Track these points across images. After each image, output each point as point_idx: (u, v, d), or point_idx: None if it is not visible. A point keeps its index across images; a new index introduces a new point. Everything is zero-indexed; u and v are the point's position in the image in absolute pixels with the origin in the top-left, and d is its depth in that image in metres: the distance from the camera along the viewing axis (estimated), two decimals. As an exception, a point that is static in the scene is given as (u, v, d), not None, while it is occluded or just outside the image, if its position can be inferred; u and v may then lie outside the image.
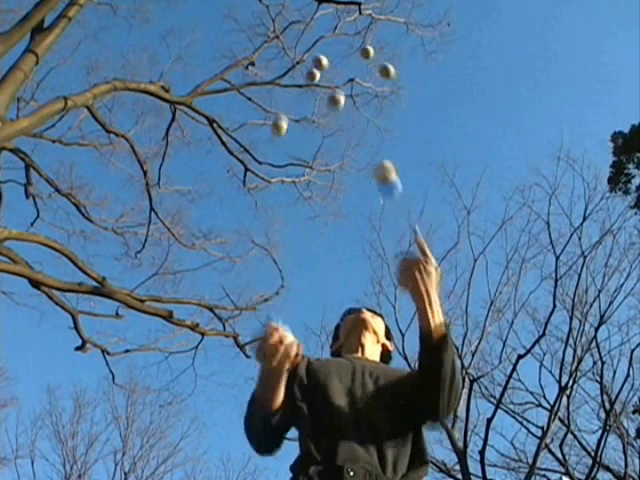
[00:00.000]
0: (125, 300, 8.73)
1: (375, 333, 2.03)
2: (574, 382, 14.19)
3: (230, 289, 10.87)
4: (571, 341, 14.17)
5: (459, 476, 13.39)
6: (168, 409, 16.74)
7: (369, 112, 12.00)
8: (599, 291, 14.37)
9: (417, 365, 1.69)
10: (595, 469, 13.47)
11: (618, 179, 14.24)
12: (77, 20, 7.94)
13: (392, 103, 12.05)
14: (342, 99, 2.65)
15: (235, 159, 10.77)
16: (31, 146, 10.29)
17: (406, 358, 13.78)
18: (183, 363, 11.00)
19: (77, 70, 13.17)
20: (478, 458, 13.48)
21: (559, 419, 14.02)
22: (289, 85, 11.17)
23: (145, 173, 10.28)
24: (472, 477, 13.25)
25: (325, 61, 2.91)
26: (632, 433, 14.76)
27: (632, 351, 14.24)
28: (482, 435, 13.63)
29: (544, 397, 14.94)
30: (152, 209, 10.54)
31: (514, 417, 15.35)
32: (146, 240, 10.79)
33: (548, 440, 13.88)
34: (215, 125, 10.24)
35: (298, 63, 11.15)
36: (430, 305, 1.61)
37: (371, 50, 3.00)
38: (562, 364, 14.01)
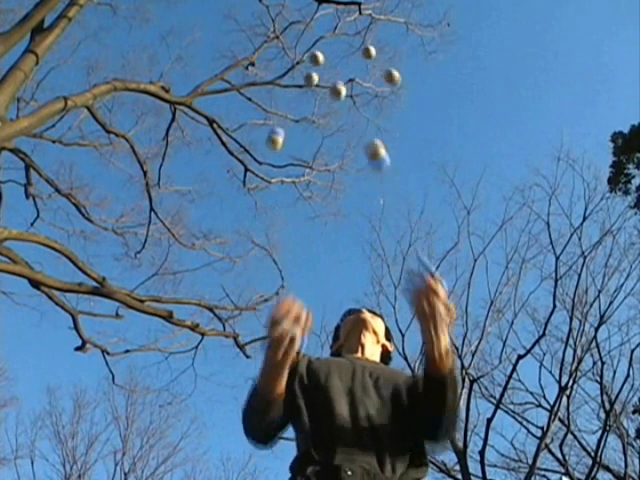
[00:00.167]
0: (125, 300, 8.73)
1: (375, 333, 2.04)
2: (574, 382, 14.20)
3: (230, 289, 10.89)
4: (571, 341, 14.18)
5: (459, 476, 13.39)
6: (168, 409, 16.76)
7: (369, 112, 12.01)
8: (599, 291, 14.38)
9: (420, 385, 1.67)
10: (595, 469, 13.47)
11: (618, 179, 14.24)
12: (77, 20, 7.94)
13: (392, 103, 12.07)
14: (343, 90, 2.67)
15: (235, 159, 10.79)
16: (31, 146, 10.31)
17: (406, 358, 13.81)
18: (183, 363, 11.02)
19: (77, 70, 13.17)
20: (478, 458, 13.49)
21: (559, 419, 14.02)
22: (289, 85, 11.18)
23: (145, 173, 10.28)
24: (472, 477, 13.25)
25: (321, 57, 2.92)
26: (632, 433, 14.77)
27: (632, 351, 14.26)
28: (482, 435, 13.64)
29: (544, 397, 14.96)
30: (152, 209, 10.55)
31: (514, 417, 15.37)
32: (146, 240, 10.80)
33: (548, 440, 13.88)
34: (215, 125, 10.24)
35: (298, 63, 11.15)
36: (438, 336, 1.56)
37: (373, 50, 2.99)
38: (562, 364, 14.01)
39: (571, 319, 14.30)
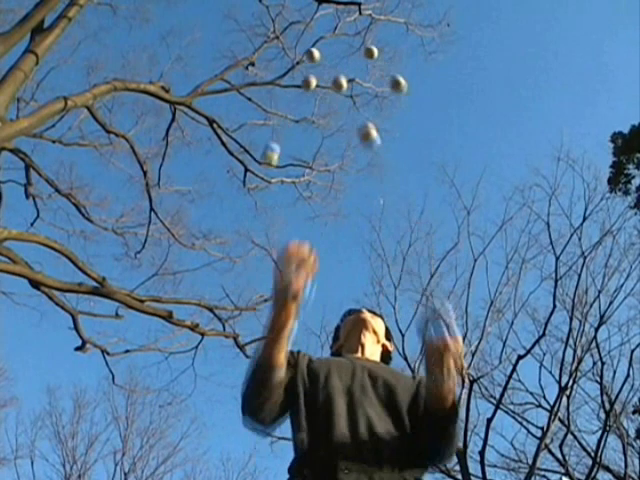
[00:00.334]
0: (125, 300, 8.72)
1: (375, 333, 2.04)
2: (574, 382, 14.19)
3: (230, 289, 10.88)
4: (571, 341, 14.18)
5: (459, 476, 13.38)
6: (168, 409, 16.73)
7: (369, 112, 11.99)
8: (599, 291, 14.37)
9: (422, 409, 1.67)
10: (595, 469, 13.47)
11: (618, 179, 14.24)
12: (77, 20, 7.94)
13: (392, 103, 12.06)
14: (344, 82, 2.69)
15: (235, 159, 10.78)
16: (31, 146, 10.31)
17: (406, 359, 13.81)
18: (183, 363, 11.01)
19: (77, 70, 13.16)
20: (478, 458, 13.49)
21: (559, 419, 14.01)
22: (289, 85, 11.17)
23: (145, 173, 10.28)
24: (472, 477, 13.24)
25: (317, 54, 2.93)
26: (632, 433, 14.76)
27: (632, 351, 14.25)
28: (482, 435, 13.64)
29: (544, 397, 14.96)
30: (152, 209, 10.55)
31: (514, 417, 15.36)
32: (146, 240, 10.80)
33: (548, 440, 13.87)
34: (215, 125, 10.24)
35: (298, 63, 11.15)
36: (445, 380, 1.56)
37: (375, 50, 2.98)
38: (562, 364, 14.01)
39: (571, 319, 14.31)
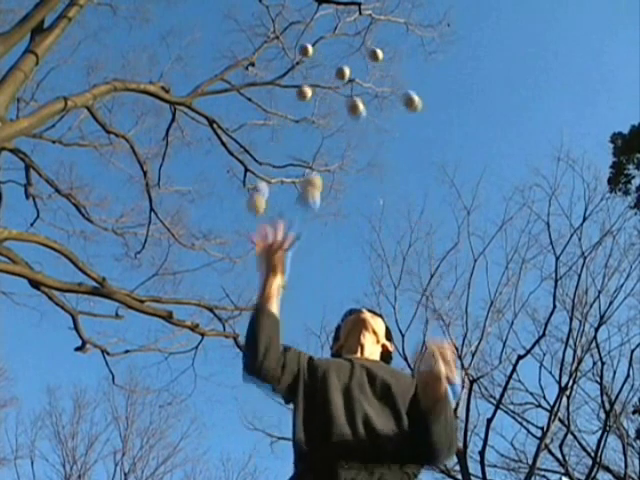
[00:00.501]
0: (125, 300, 8.72)
1: (375, 333, 2.05)
2: (574, 382, 14.19)
3: (230, 289, 10.87)
4: (571, 341, 14.18)
5: (459, 476, 13.39)
6: (168, 409, 16.74)
7: (369, 112, 11.98)
8: (599, 291, 14.38)
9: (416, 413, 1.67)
10: (595, 470, 13.47)
11: (618, 180, 14.25)
12: (77, 20, 7.93)
13: (392, 103, 12.05)
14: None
15: (235, 159, 10.78)
16: (31, 146, 10.31)
17: (406, 359, 13.80)
18: (183, 363, 10.99)
19: (77, 70, 13.15)
20: (478, 458, 13.49)
21: (559, 419, 14.02)
22: (289, 85, 11.16)
23: (145, 173, 10.28)
24: (472, 477, 13.25)
25: (310, 49, 2.95)
26: (632, 434, 14.77)
27: (632, 351, 14.27)
28: (482, 435, 13.65)
29: (544, 397, 14.97)
30: (152, 209, 10.54)
31: (514, 417, 15.37)
32: (146, 240, 10.80)
33: (548, 440, 13.88)
34: (215, 125, 10.24)
35: (298, 63, 11.15)
36: (438, 392, 1.56)
37: (380, 53, 2.99)
38: (562, 364, 14.02)
39: (571, 319, 14.31)
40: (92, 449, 18.37)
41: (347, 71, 2.70)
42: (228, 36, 12.23)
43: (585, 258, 14.43)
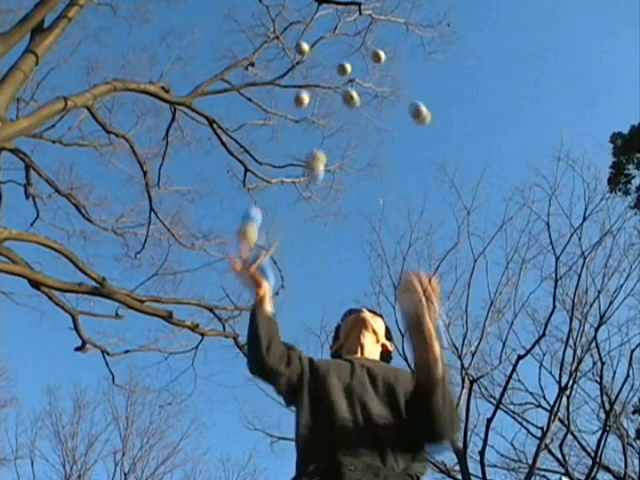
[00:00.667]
0: (125, 300, 8.72)
1: (375, 333, 2.05)
2: (574, 382, 14.19)
3: (230, 289, 10.84)
4: (571, 341, 14.18)
5: (459, 476, 13.39)
6: (168, 409, 16.75)
7: (369, 112, 12.00)
8: (599, 291, 14.37)
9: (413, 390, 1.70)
10: (595, 470, 13.47)
11: (618, 180, 14.25)
12: (77, 20, 7.93)
13: (392, 103, 12.05)
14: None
15: (235, 159, 10.77)
16: (31, 146, 10.31)
17: (406, 359, 13.78)
18: (183, 363, 10.98)
19: (77, 70, 13.15)
20: (478, 458, 13.48)
21: (559, 419, 14.01)
22: (289, 85, 11.16)
23: (145, 173, 10.27)
24: (472, 477, 13.25)
25: (306, 47, 2.99)
26: (632, 434, 14.77)
27: (632, 351, 14.26)
28: (482, 435, 13.64)
29: (544, 397, 14.96)
30: (152, 209, 10.54)
31: (514, 417, 15.36)
32: (146, 240, 10.79)
33: (548, 440, 13.87)
34: (215, 125, 10.24)
35: (298, 63, 11.15)
36: (428, 345, 1.60)
37: (382, 54, 3.00)
38: (562, 364, 14.01)
39: (571, 319, 14.31)
40: (92, 449, 18.40)
41: (348, 68, 2.73)
42: (228, 36, 12.25)
43: (585, 258, 14.43)
